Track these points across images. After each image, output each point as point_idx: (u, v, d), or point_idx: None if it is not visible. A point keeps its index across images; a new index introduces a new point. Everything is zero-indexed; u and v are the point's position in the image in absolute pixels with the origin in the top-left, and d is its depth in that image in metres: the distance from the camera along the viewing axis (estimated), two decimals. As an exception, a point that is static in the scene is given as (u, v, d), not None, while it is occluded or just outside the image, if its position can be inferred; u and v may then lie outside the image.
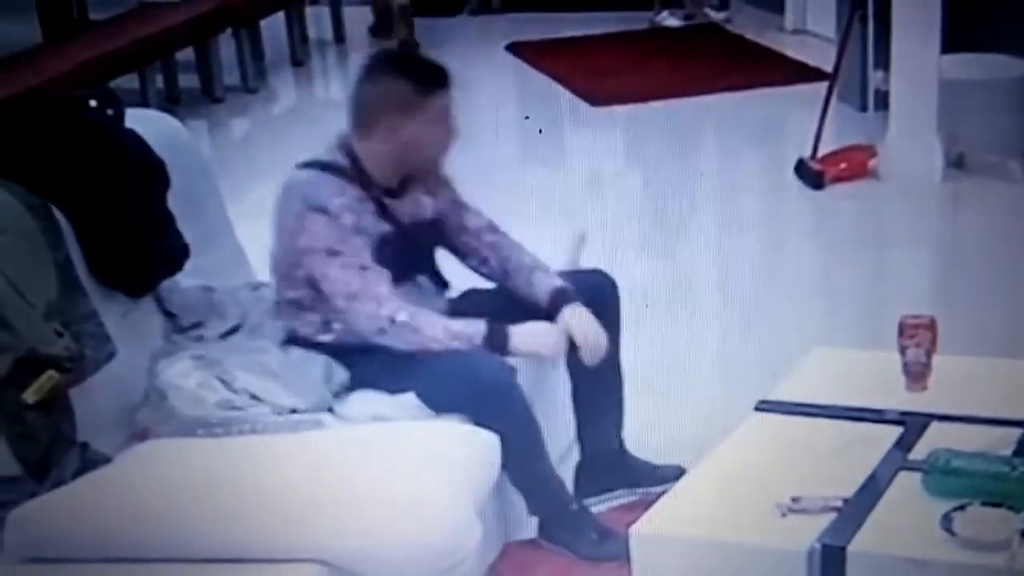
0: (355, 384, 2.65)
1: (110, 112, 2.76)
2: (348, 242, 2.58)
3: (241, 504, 2.20)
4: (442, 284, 2.83)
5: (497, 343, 2.62)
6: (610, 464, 2.88)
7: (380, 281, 2.60)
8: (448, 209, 2.79)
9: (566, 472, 2.82)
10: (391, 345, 2.59)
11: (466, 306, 2.78)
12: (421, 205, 2.74)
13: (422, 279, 2.77)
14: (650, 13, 7.72)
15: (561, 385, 2.84)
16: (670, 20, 7.17)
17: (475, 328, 2.63)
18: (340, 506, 2.20)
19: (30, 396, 2.29)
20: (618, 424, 2.90)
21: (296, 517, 2.18)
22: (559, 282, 2.78)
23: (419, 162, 2.70)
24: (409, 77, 2.65)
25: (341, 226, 2.58)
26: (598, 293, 2.80)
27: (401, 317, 2.59)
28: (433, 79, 2.67)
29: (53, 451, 2.33)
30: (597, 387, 2.83)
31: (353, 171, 2.64)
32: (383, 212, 2.66)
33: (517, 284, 2.80)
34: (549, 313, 2.74)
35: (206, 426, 2.49)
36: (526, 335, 2.66)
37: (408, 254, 2.70)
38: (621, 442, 2.90)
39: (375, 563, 2.15)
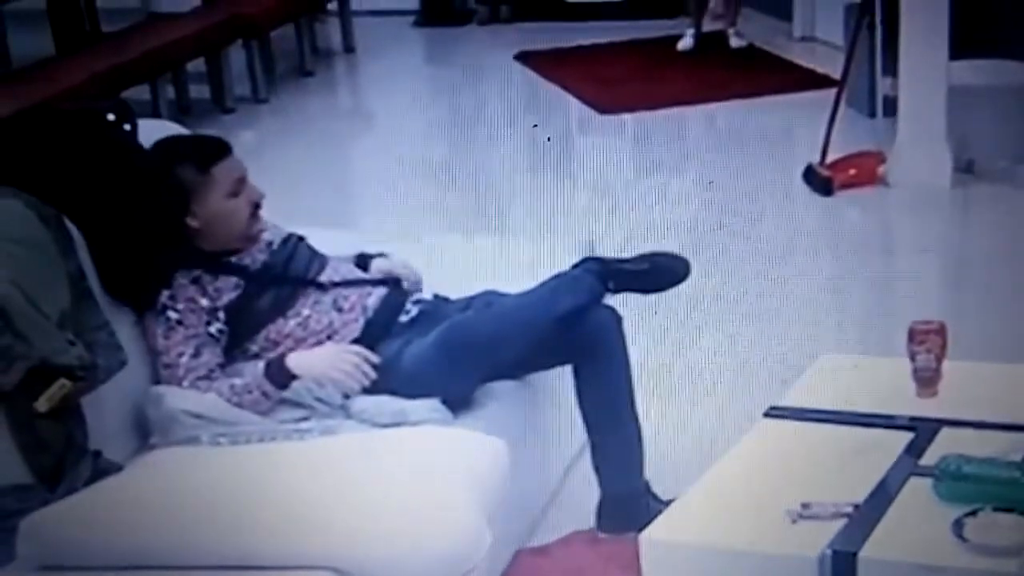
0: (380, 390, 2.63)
1: (127, 127, 2.78)
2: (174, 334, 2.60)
3: (253, 512, 2.20)
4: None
5: (275, 376, 2.57)
6: (633, 505, 2.75)
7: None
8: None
9: (581, 495, 2.80)
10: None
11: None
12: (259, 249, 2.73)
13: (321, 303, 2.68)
14: (656, 22, 7.68)
15: (565, 384, 2.81)
16: (687, 40, 7.13)
17: (253, 372, 2.58)
18: (351, 513, 2.20)
19: (42, 405, 2.30)
20: (640, 465, 2.79)
21: (307, 524, 2.18)
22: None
23: (235, 231, 2.69)
24: (189, 157, 2.68)
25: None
26: (601, 332, 2.70)
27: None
28: (211, 152, 2.70)
29: (65, 459, 2.34)
30: (613, 429, 2.75)
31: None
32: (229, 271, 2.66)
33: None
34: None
35: (211, 434, 2.50)
36: (309, 358, 2.59)
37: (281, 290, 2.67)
38: (647, 484, 2.79)
39: (385, 570, 2.15)
